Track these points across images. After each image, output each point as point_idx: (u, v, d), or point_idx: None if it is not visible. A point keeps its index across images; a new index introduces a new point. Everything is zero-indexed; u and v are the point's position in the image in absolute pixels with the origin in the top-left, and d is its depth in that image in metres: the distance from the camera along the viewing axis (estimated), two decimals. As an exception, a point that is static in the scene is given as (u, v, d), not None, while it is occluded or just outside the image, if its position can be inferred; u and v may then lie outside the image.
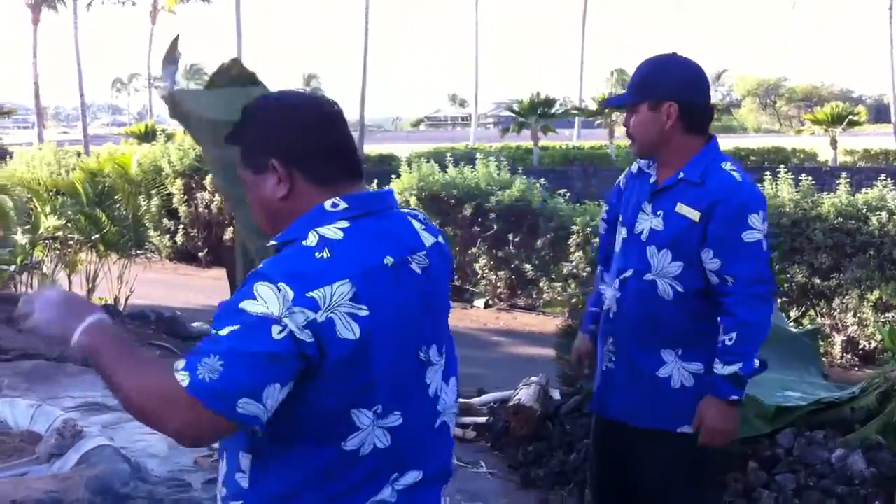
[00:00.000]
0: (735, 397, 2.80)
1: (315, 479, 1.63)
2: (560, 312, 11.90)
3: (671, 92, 2.88)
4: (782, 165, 13.17)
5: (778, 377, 4.74)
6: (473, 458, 4.98)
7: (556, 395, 5.42)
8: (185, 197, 18.33)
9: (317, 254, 1.60)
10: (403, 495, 1.70)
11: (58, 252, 11.19)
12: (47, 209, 11.21)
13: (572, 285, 12.00)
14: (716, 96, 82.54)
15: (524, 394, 5.18)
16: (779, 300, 10.28)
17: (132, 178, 12.75)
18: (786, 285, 10.42)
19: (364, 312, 1.58)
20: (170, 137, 21.31)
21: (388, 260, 1.66)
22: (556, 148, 35.73)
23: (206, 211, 18.22)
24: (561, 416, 5.09)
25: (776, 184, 11.19)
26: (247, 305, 1.54)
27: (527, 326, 11.86)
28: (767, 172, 11.85)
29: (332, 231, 1.64)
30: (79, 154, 24.29)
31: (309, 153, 1.72)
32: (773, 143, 38.10)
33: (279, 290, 1.54)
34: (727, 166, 2.92)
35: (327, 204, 1.69)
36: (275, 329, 1.52)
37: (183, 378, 1.51)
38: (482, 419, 5.49)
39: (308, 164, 1.71)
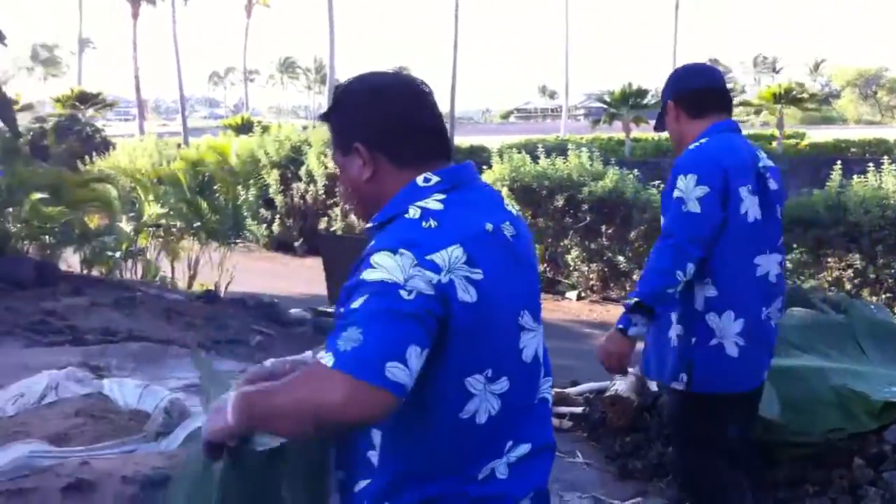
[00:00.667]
0: (620, 325, 3.06)
1: (439, 451, 1.66)
2: (653, 305, 11.73)
3: (667, 94, 3.32)
4: (885, 157, 12.75)
5: (885, 372, 4.61)
6: (570, 447, 4.96)
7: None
8: (282, 187, 18.68)
9: (423, 224, 1.63)
10: (514, 468, 1.72)
11: (161, 239, 11.51)
12: (150, 198, 11.57)
13: (666, 278, 11.83)
14: (814, 87, 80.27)
15: (621, 384, 5.14)
16: (883, 295, 9.98)
17: (231, 168, 13.07)
18: (890, 280, 10.10)
19: (479, 276, 1.61)
20: (266, 129, 21.70)
21: (488, 226, 1.70)
22: (648, 139, 35.20)
23: (302, 201, 18.53)
24: (659, 407, 5.02)
25: (880, 176, 10.85)
26: (368, 275, 1.55)
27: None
28: (871, 164, 11.48)
29: (432, 203, 1.67)
30: (179, 145, 24.96)
31: (392, 135, 1.74)
32: (874, 134, 36.94)
33: (400, 255, 1.56)
34: (699, 141, 3.16)
35: (419, 180, 1.71)
36: (402, 292, 1.53)
37: (327, 359, 1.50)
38: (578, 409, 5.46)
39: (391, 146, 1.74)
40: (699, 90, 3.25)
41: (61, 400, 5.40)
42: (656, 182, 13.64)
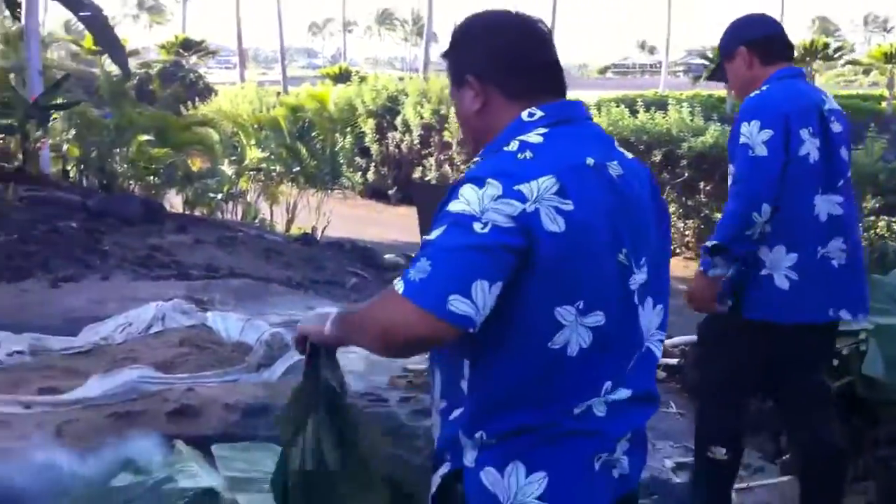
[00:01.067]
0: (701, 268, 3.21)
1: (528, 381, 1.67)
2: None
3: (736, 41, 3.35)
4: None
5: None
6: (664, 398, 4.91)
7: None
8: (377, 136, 18.81)
9: (519, 155, 1.65)
10: (613, 409, 1.71)
11: (261, 183, 11.75)
12: (251, 142, 11.79)
13: (765, 237, 11.57)
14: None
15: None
16: None
17: (330, 115, 13.23)
18: None
19: (569, 206, 1.61)
20: (363, 79, 21.82)
21: (590, 160, 1.69)
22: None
23: (397, 150, 18.65)
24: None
25: None
26: (451, 206, 1.60)
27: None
28: None
29: (532, 137, 1.69)
30: (278, 94, 25.25)
31: (503, 69, 1.76)
32: None
33: (485, 186, 1.59)
34: (760, 89, 3.24)
35: (524, 115, 1.73)
36: (476, 225, 1.56)
37: (398, 286, 1.59)
38: (673, 361, 5.43)
39: (502, 79, 1.76)
40: (770, 36, 3.35)
41: (167, 330, 5.60)
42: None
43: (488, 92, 1.77)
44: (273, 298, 6.57)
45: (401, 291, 1.57)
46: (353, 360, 5.38)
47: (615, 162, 1.75)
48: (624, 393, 1.73)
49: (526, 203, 1.58)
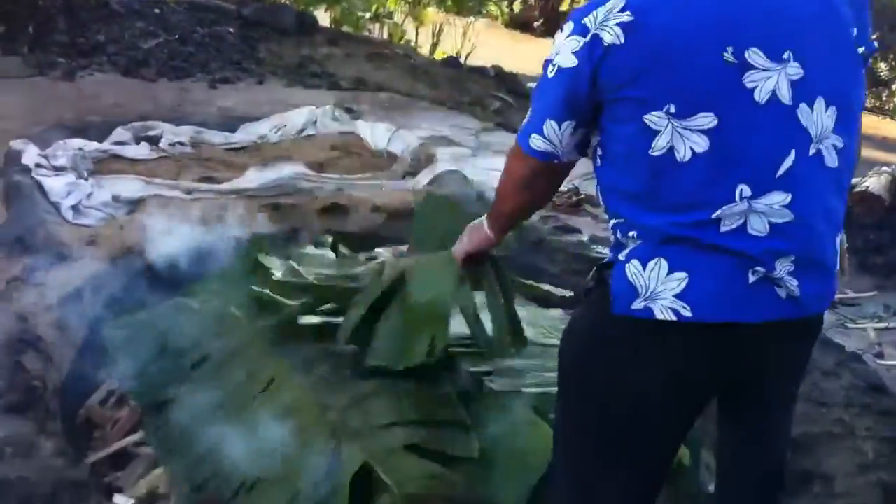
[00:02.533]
0: None
1: (646, 187, 1.66)
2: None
3: None
4: None
5: None
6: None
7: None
8: (526, -35, 18.28)
9: None
10: (774, 228, 1.63)
11: (408, 4, 11.66)
12: (402, -41, 11.63)
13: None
14: None
15: (873, 182, 4.94)
16: None
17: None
18: None
19: (627, 18, 1.61)
20: None
21: None
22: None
23: (545, -19, 18.11)
24: (911, 209, 4.83)
25: None
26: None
27: (872, 130, 10.97)
28: None
29: None
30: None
31: None
32: None
33: (563, 29, 1.70)
34: None
35: None
36: (549, 69, 1.71)
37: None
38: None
39: None
40: None
41: (319, 134, 5.79)
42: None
43: None
44: (419, 113, 6.65)
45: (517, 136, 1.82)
46: (495, 177, 5.47)
47: None
48: (779, 197, 1.63)
49: (587, 35, 1.64)
